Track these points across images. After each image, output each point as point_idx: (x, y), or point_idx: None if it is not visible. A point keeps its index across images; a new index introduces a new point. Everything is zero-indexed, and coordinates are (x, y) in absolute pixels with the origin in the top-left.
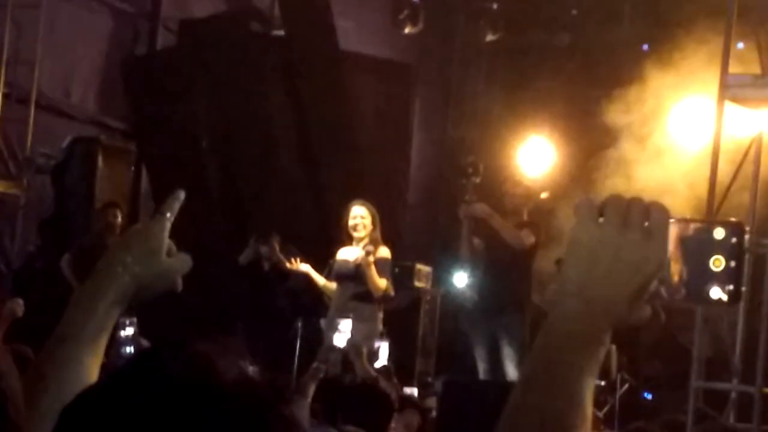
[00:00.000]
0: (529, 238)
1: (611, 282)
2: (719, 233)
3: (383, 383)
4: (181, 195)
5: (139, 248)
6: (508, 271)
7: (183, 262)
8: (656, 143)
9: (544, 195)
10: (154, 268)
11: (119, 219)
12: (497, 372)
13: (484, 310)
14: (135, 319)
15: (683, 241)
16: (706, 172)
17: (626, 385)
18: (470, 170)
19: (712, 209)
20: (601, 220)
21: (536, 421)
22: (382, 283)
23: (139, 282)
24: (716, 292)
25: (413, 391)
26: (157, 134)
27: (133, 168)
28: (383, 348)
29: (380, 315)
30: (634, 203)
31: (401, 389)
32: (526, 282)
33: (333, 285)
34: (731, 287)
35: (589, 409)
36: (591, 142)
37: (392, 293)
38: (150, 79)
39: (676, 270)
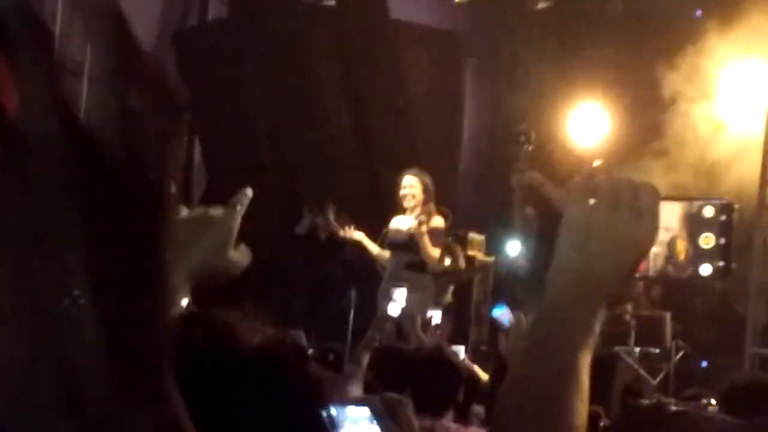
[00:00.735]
0: None
1: (604, 260)
2: (708, 211)
3: (448, 351)
4: (249, 192)
5: (211, 238)
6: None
7: (245, 256)
8: (710, 110)
9: (596, 163)
10: (221, 260)
11: (173, 189)
12: None
13: (538, 279)
14: (188, 290)
15: (688, 219)
16: (760, 139)
17: (681, 353)
18: (522, 138)
19: (765, 175)
20: (592, 201)
21: (528, 394)
22: (435, 252)
23: (205, 270)
24: (706, 269)
25: (460, 348)
26: (208, 105)
27: (185, 138)
28: (436, 316)
29: (435, 285)
30: (624, 184)
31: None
32: None
33: (386, 254)
34: (721, 264)
35: (584, 382)
36: (643, 110)
37: (444, 263)
38: (201, 50)
39: (682, 248)
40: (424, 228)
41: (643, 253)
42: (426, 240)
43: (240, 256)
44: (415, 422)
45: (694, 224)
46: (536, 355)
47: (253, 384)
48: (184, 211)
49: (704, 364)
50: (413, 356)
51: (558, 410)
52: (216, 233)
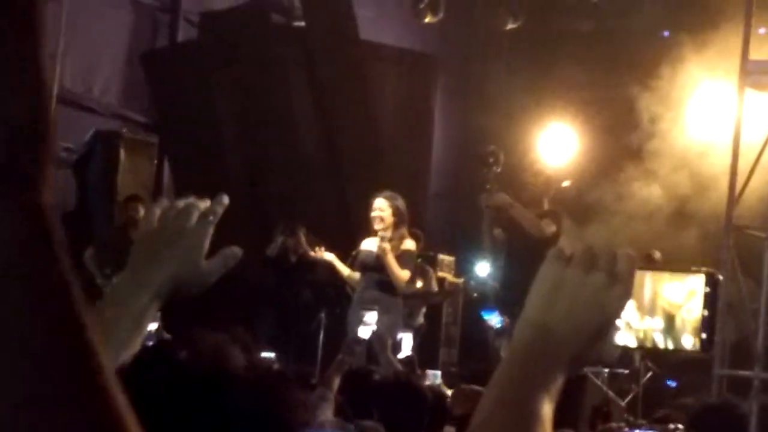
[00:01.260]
0: (549, 227)
1: (570, 319)
2: (693, 283)
3: (414, 378)
4: (225, 200)
5: (182, 249)
6: (529, 261)
7: (220, 264)
8: (677, 130)
9: (565, 183)
10: (194, 270)
11: (142, 212)
12: None
13: (507, 300)
14: (158, 314)
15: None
16: (728, 159)
17: (649, 373)
18: (491, 159)
19: (734, 195)
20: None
21: None
22: (404, 274)
23: (177, 283)
24: (688, 340)
25: (437, 374)
26: (179, 127)
27: (155, 161)
28: (407, 339)
29: (405, 307)
30: (603, 250)
31: (424, 379)
32: None
33: (357, 275)
34: (704, 336)
35: (548, 427)
36: (612, 130)
37: (416, 286)
38: (171, 72)
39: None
40: (387, 246)
41: (611, 319)
42: (390, 258)
43: (214, 265)
44: None
45: (673, 295)
46: (504, 401)
47: (238, 406)
48: (156, 216)
49: (673, 384)
50: (380, 381)
51: None
52: (187, 244)
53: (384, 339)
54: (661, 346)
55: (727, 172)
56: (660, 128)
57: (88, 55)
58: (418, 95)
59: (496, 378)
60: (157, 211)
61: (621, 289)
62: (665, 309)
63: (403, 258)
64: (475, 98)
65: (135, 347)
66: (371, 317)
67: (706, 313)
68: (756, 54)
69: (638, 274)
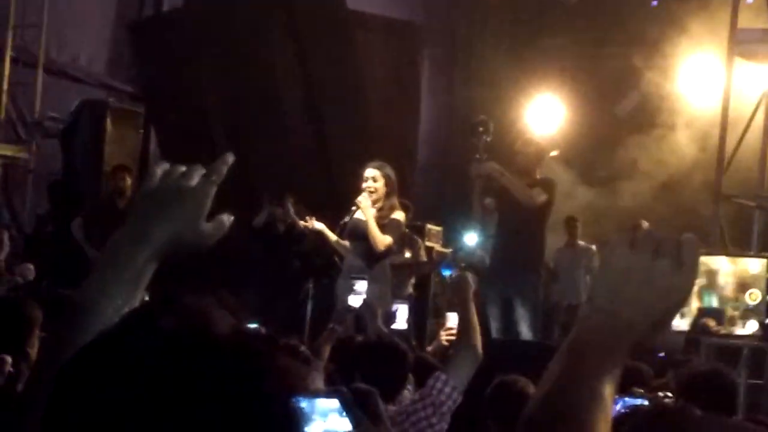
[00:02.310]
0: (540, 197)
1: (638, 304)
2: (755, 267)
3: (398, 341)
4: (229, 159)
5: (182, 209)
6: (520, 230)
7: (218, 227)
8: (665, 99)
9: (554, 153)
10: (194, 230)
11: (129, 182)
12: (510, 332)
13: (497, 270)
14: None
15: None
16: (716, 128)
17: None
18: (481, 129)
19: (722, 164)
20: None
21: (560, 417)
22: (384, 239)
23: (175, 243)
24: (752, 325)
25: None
26: (165, 96)
27: (141, 131)
28: (402, 310)
29: (394, 277)
30: (667, 235)
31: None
32: (540, 241)
33: (346, 243)
34: (767, 320)
35: (610, 409)
36: (599, 99)
37: (404, 256)
38: (157, 41)
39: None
40: (367, 202)
41: (678, 305)
42: (369, 216)
43: (214, 227)
44: (385, 413)
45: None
46: (568, 382)
47: (225, 372)
48: (157, 175)
49: (661, 354)
50: (359, 343)
51: (586, 425)
52: (188, 204)
53: (374, 308)
54: (723, 331)
55: (716, 141)
56: (648, 98)
57: (74, 24)
58: (405, 65)
59: (559, 359)
60: (159, 171)
61: (686, 275)
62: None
63: (389, 226)
64: (462, 69)
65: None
66: (361, 286)
67: None
68: (744, 23)
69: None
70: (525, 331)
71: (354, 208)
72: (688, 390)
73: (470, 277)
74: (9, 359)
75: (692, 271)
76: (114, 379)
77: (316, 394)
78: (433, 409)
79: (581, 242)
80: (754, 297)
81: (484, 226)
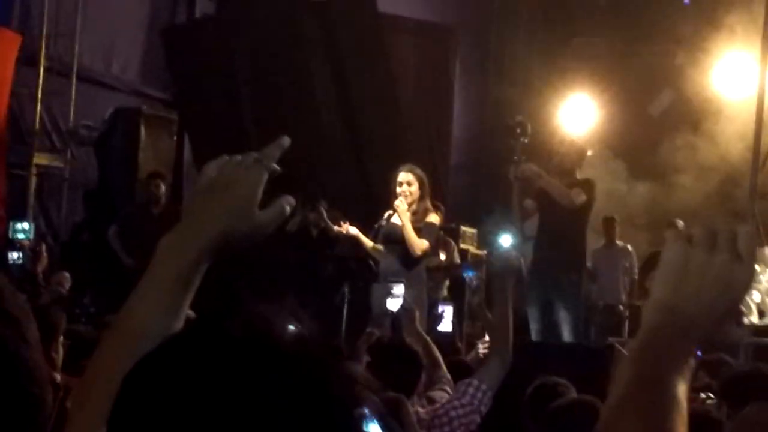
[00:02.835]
0: (579, 197)
1: (699, 300)
2: None
3: (412, 342)
4: (286, 141)
5: (231, 199)
6: (561, 232)
7: (278, 213)
8: (700, 97)
9: (590, 153)
10: (247, 221)
11: (163, 189)
12: (550, 334)
13: (539, 272)
14: None
15: None
16: (752, 125)
17: None
18: (518, 130)
19: (758, 162)
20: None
21: (639, 422)
22: (421, 242)
23: (229, 236)
24: None
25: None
26: (198, 103)
27: (175, 138)
28: (448, 311)
29: (429, 280)
30: (723, 227)
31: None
32: (580, 242)
33: (380, 247)
34: None
35: (685, 410)
36: (633, 98)
37: (439, 259)
38: (190, 47)
39: None
40: (404, 206)
41: (739, 297)
42: (406, 221)
43: (270, 214)
44: (415, 421)
45: None
46: (641, 386)
47: (290, 380)
48: (212, 169)
49: (698, 353)
50: (374, 343)
51: (664, 426)
52: (239, 192)
53: (412, 311)
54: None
55: (751, 139)
56: (682, 96)
57: (107, 32)
58: (437, 67)
59: (628, 362)
60: (213, 164)
61: (745, 268)
62: None
63: (425, 229)
64: (494, 70)
65: (185, 311)
66: (399, 289)
67: None
68: None
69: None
70: (566, 333)
71: (390, 212)
72: (732, 390)
73: (511, 271)
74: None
75: (751, 263)
76: (180, 386)
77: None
78: (464, 411)
79: (619, 242)
80: None
81: (524, 229)
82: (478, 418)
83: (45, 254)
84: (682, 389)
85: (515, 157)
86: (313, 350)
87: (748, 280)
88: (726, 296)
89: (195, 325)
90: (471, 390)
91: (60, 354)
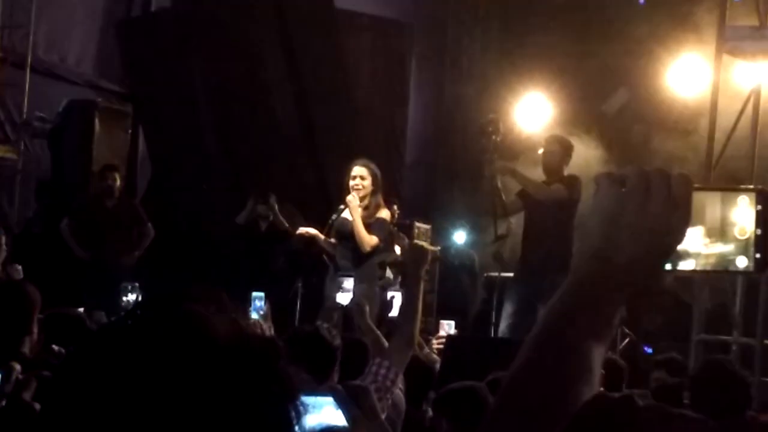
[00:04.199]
0: (559, 192)
1: (633, 246)
2: (743, 200)
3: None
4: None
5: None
6: (547, 229)
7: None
8: (654, 97)
9: (541, 151)
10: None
11: (117, 182)
12: (521, 331)
13: (524, 270)
14: (137, 284)
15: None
16: (705, 126)
17: (626, 340)
18: (490, 128)
19: (711, 162)
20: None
21: (542, 382)
22: (370, 239)
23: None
24: (742, 261)
25: (451, 324)
26: (153, 96)
27: (130, 131)
28: (398, 298)
29: (382, 275)
30: (657, 173)
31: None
32: (566, 241)
33: (333, 241)
34: (758, 255)
35: (597, 374)
36: (588, 98)
37: (395, 254)
38: (145, 40)
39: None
40: (355, 202)
41: (674, 244)
42: (356, 216)
43: None
44: (379, 409)
45: (723, 214)
46: (551, 344)
47: (224, 377)
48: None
49: (649, 350)
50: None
51: (567, 397)
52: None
53: (362, 306)
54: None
55: (705, 138)
56: (636, 96)
57: (62, 24)
58: (393, 63)
59: (547, 317)
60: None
61: (680, 215)
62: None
63: (375, 225)
64: (450, 67)
65: None
66: (349, 283)
67: (759, 231)
68: (730, 21)
69: (702, 195)
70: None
71: (342, 207)
72: (699, 383)
73: (426, 251)
74: (18, 367)
75: (687, 209)
76: (112, 380)
77: (312, 391)
78: (380, 395)
79: None
80: (742, 232)
81: (497, 227)
82: (388, 395)
83: (5, 246)
84: (597, 358)
85: (488, 156)
86: (249, 346)
87: (685, 226)
88: (661, 243)
89: (128, 317)
90: (374, 368)
91: (34, 335)
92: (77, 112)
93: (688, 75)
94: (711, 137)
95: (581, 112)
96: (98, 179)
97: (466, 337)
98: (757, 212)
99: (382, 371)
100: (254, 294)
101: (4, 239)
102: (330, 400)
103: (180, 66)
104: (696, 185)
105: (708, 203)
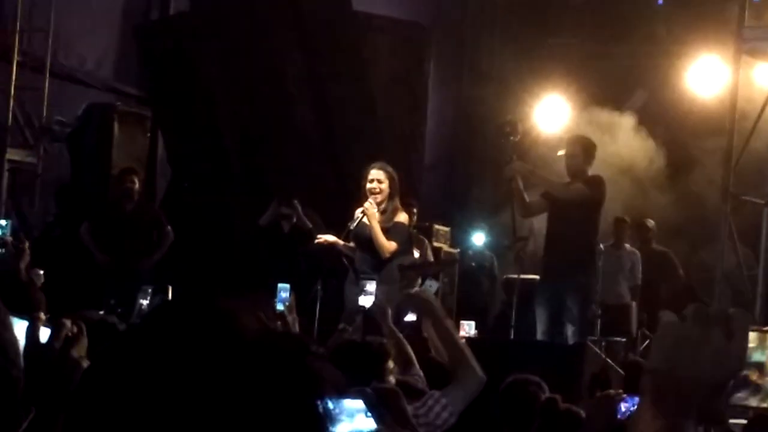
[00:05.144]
0: (578, 191)
1: (692, 365)
2: None
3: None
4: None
5: None
6: (571, 230)
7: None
8: (673, 98)
9: (560, 153)
10: None
11: (136, 185)
12: (556, 334)
13: (549, 270)
14: (155, 288)
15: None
16: (725, 126)
17: (647, 342)
18: (508, 129)
19: (730, 163)
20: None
21: None
22: (389, 245)
23: None
24: None
25: (471, 324)
26: (172, 99)
27: (149, 134)
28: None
29: (402, 278)
30: (716, 308)
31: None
32: (591, 241)
33: (352, 245)
34: None
35: None
36: (607, 99)
37: (412, 257)
38: (164, 44)
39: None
40: (372, 209)
41: (731, 373)
42: (374, 223)
43: None
44: (409, 413)
45: None
46: None
47: (251, 373)
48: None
49: None
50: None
51: None
52: None
53: (384, 308)
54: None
55: (724, 139)
56: (655, 97)
57: (81, 28)
58: (411, 66)
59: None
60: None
61: (737, 345)
62: None
63: (394, 230)
64: (469, 69)
65: None
66: (372, 286)
67: None
68: (749, 21)
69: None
70: (569, 333)
71: (359, 215)
72: None
73: (431, 291)
74: (68, 323)
75: (742, 339)
76: (141, 376)
77: (343, 394)
78: (426, 429)
79: (627, 245)
80: None
81: (517, 228)
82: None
83: (28, 251)
84: None
85: (507, 157)
86: (277, 344)
87: (741, 355)
88: (719, 370)
89: (152, 318)
90: (430, 402)
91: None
92: (96, 115)
93: (707, 76)
94: (730, 138)
95: (599, 113)
96: (117, 183)
97: (486, 339)
98: None
99: (437, 408)
100: (280, 285)
101: (27, 244)
102: (360, 404)
103: (198, 69)
104: (761, 328)
105: None
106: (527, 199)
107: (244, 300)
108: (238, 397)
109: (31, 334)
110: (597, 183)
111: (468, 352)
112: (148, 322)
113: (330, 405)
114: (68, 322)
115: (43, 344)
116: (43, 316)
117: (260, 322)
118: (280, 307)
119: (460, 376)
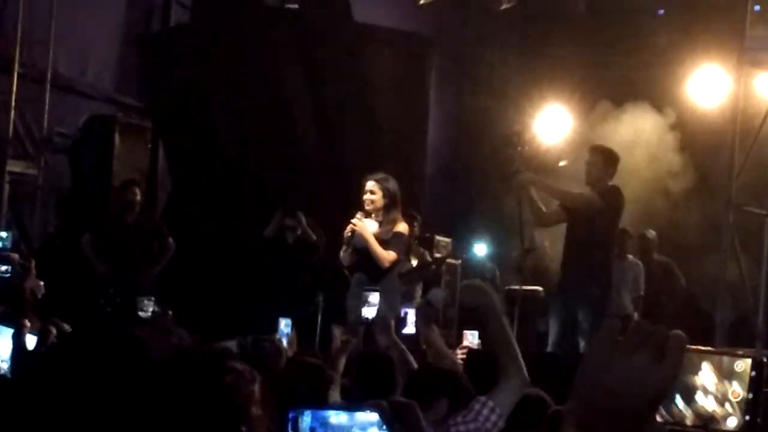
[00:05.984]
0: (588, 199)
1: (616, 395)
2: (739, 366)
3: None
4: None
5: None
6: (586, 242)
7: None
8: (674, 108)
9: (562, 163)
10: None
11: (138, 196)
12: (568, 346)
13: (564, 282)
14: (153, 299)
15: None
16: (726, 137)
17: None
18: (515, 139)
19: (733, 173)
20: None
21: None
22: (388, 255)
23: None
24: (732, 422)
25: (474, 334)
26: (173, 111)
27: (150, 145)
28: (411, 314)
29: (402, 286)
30: (654, 329)
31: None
32: (606, 252)
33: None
34: (747, 418)
35: None
36: (608, 110)
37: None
38: (165, 56)
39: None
40: (361, 223)
41: (657, 397)
42: (369, 236)
43: None
44: (425, 426)
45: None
46: None
47: (161, 395)
48: None
49: None
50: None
51: None
52: None
53: (387, 320)
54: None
55: (727, 149)
56: (657, 107)
57: (82, 39)
58: (413, 77)
59: None
60: None
61: (667, 367)
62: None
63: (392, 240)
64: (470, 80)
65: None
66: (375, 298)
67: (750, 396)
68: (751, 31)
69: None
70: (583, 345)
71: (349, 232)
72: None
73: (478, 287)
74: (54, 330)
75: (673, 366)
76: (48, 403)
77: (357, 407)
78: (465, 428)
79: (630, 256)
80: (735, 395)
81: (524, 240)
82: None
83: (34, 271)
84: None
85: (514, 167)
86: (188, 365)
87: (668, 381)
88: (645, 393)
89: (70, 341)
90: (477, 406)
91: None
92: (97, 127)
93: (709, 86)
94: (732, 148)
95: (600, 124)
96: (118, 194)
97: (488, 351)
98: (751, 378)
99: (485, 411)
100: (281, 320)
101: (34, 263)
102: (374, 416)
103: (199, 81)
104: (699, 348)
105: (710, 362)
106: (543, 208)
107: (162, 324)
108: (148, 416)
109: (18, 340)
110: (613, 193)
111: (517, 357)
112: (54, 351)
113: (305, 417)
114: (53, 329)
115: (29, 350)
116: (28, 323)
117: (170, 345)
118: (284, 341)
119: (511, 375)
